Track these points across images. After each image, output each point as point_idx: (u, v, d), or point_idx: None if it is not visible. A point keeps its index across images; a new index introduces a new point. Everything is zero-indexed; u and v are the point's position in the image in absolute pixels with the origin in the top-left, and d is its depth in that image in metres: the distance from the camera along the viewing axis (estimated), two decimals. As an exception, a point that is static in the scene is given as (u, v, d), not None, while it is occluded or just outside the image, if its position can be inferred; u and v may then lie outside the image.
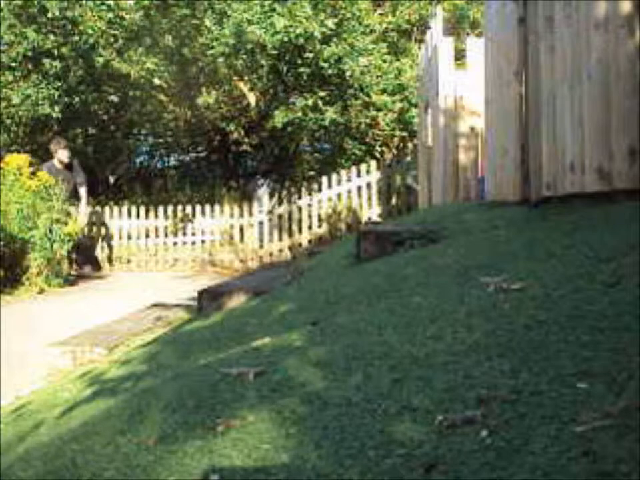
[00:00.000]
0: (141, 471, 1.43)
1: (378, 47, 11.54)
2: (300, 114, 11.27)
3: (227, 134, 14.46)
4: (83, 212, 9.93)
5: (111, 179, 15.83)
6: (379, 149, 12.65)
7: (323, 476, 1.22)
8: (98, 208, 12.07)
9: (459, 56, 7.31)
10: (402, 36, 12.70)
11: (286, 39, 10.48)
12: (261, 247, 11.27)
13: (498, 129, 4.52)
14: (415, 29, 12.66)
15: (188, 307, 5.46)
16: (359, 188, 10.63)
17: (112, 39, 11.74)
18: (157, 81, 11.92)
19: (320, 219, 10.83)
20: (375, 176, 10.57)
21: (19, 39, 11.79)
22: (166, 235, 11.77)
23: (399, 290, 2.44)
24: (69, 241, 9.67)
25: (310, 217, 10.91)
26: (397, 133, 12.10)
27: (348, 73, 11.13)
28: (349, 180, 10.74)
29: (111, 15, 11.46)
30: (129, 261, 11.62)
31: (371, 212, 10.55)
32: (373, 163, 10.78)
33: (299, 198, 11.07)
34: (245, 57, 11.27)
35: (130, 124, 14.44)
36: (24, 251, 8.78)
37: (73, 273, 9.28)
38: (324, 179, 10.90)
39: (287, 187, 12.46)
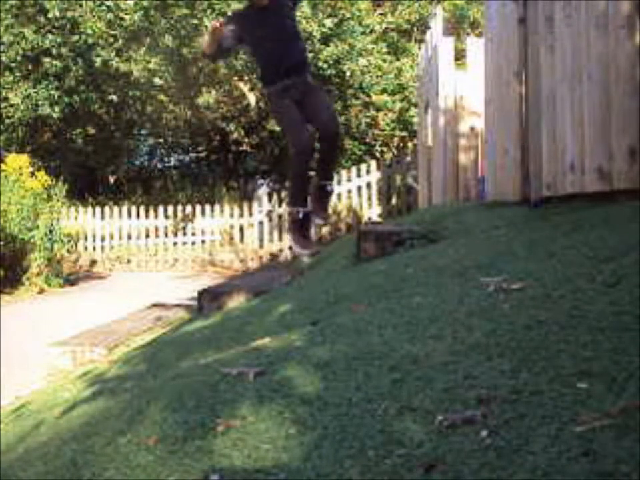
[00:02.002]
0: (140, 470, 1.42)
1: (378, 47, 11.54)
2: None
3: (227, 134, 14.46)
4: None
5: (111, 179, 15.83)
6: (378, 149, 12.66)
7: (323, 476, 1.22)
8: None
9: (459, 56, 7.31)
10: (402, 36, 12.70)
11: (285, 38, 10.46)
12: (261, 246, 11.27)
13: (498, 129, 4.52)
14: (414, 28, 12.66)
15: (188, 306, 5.46)
16: (359, 188, 10.63)
17: (111, 39, 11.74)
18: (157, 80, 11.92)
19: (320, 219, 10.82)
20: (375, 176, 10.57)
21: (18, 39, 11.79)
22: (166, 235, 11.77)
23: (399, 290, 2.44)
24: (68, 241, 9.68)
25: (310, 217, 10.89)
26: (397, 132, 12.10)
27: (348, 73, 11.14)
28: (349, 180, 10.74)
29: (110, 15, 11.46)
30: (128, 261, 11.62)
31: (371, 212, 10.55)
32: (373, 163, 10.78)
33: (299, 198, 11.05)
34: (244, 56, 11.26)
35: (130, 124, 14.44)
36: (24, 251, 8.79)
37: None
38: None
39: (287, 187, 12.46)
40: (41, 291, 8.65)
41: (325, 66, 10.95)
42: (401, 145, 12.59)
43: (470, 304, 1.89)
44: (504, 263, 2.37)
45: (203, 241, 11.65)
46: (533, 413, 1.24)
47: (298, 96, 4.36)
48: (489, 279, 2.08)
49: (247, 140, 14.50)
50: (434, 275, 2.52)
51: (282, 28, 4.48)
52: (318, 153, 4.52)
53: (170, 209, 11.82)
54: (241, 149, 14.98)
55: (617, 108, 2.97)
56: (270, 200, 11.45)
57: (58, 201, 9.86)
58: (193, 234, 11.70)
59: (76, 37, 11.70)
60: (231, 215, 11.48)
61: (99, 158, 14.16)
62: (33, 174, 9.56)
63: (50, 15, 11.58)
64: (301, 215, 4.43)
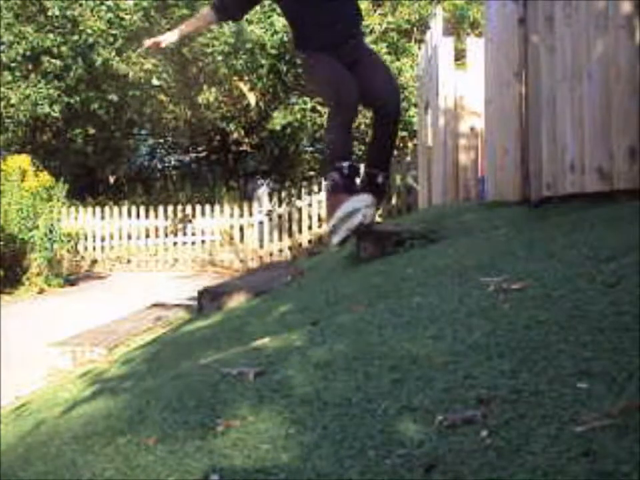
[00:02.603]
0: (140, 470, 1.42)
1: (378, 47, 11.53)
2: (298, 116, 11.28)
3: (227, 134, 14.45)
4: None
5: (111, 179, 15.83)
6: (379, 149, 12.64)
7: (323, 476, 1.22)
8: None
9: (459, 56, 7.31)
10: (402, 36, 12.69)
11: (285, 38, 10.49)
12: (261, 246, 11.27)
13: (498, 128, 4.52)
14: (414, 29, 12.66)
15: (188, 306, 5.46)
16: (359, 188, 10.62)
17: (111, 39, 11.75)
18: (155, 81, 11.92)
19: (320, 219, 10.84)
20: (374, 176, 10.57)
21: (18, 38, 11.80)
22: (166, 235, 11.77)
23: (399, 290, 2.44)
24: (68, 241, 9.69)
25: (310, 217, 10.90)
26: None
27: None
28: (348, 180, 10.73)
29: (110, 15, 11.47)
30: (129, 261, 11.62)
31: (371, 212, 10.54)
32: (373, 163, 10.78)
33: (299, 198, 11.07)
34: (244, 56, 11.27)
35: (130, 124, 14.44)
36: (24, 250, 8.80)
37: None
38: (324, 179, 10.90)
39: (287, 187, 12.46)
40: (41, 291, 8.65)
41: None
42: (401, 145, 12.58)
43: (470, 304, 1.88)
44: (504, 263, 2.37)
45: (203, 241, 11.66)
46: (533, 413, 1.24)
47: (346, 60, 3.40)
48: (489, 279, 2.07)
49: (247, 140, 14.50)
50: (434, 274, 2.52)
51: None
52: (371, 135, 3.68)
53: (170, 208, 11.82)
54: (241, 149, 14.97)
55: (616, 108, 2.97)
56: (270, 200, 11.45)
57: (58, 200, 9.86)
58: (193, 234, 11.70)
59: (76, 37, 11.71)
60: (231, 215, 11.48)
61: (99, 158, 14.16)
62: (35, 174, 9.58)
63: (50, 14, 11.58)
64: (346, 171, 3.34)
